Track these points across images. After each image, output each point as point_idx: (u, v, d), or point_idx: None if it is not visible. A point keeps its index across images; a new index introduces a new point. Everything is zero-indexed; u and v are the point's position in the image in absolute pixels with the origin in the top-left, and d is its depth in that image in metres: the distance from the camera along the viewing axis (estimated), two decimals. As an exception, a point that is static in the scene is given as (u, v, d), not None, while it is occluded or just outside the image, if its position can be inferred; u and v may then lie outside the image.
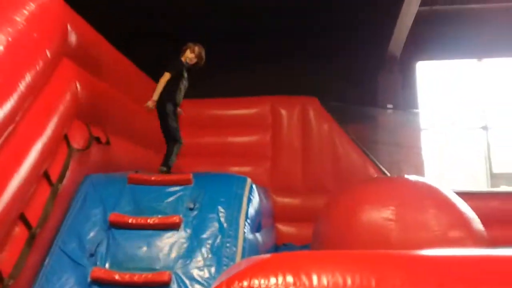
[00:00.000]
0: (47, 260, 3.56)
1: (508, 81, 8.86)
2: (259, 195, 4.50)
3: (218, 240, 3.62)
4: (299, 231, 6.63)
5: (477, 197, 6.10)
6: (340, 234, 4.03)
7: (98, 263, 3.51)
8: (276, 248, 6.21)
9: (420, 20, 7.70)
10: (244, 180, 4.25)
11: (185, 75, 4.73)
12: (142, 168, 4.76)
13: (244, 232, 3.79)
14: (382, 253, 2.03)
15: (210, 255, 3.52)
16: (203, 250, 3.56)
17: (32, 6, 3.57)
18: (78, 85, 4.20)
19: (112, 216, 3.76)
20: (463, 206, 4.05)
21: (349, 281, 1.73)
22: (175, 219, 3.73)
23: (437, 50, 8.62)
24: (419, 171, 7.83)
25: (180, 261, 3.50)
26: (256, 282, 1.73)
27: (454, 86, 9.04)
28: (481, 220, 4.07)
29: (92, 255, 3.55)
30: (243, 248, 3.68)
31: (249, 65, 7.94)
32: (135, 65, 5.79)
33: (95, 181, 4.15)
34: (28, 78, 3.37)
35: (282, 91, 7.48)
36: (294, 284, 1.72)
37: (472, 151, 8.74)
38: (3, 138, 3.14)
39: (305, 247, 5.74)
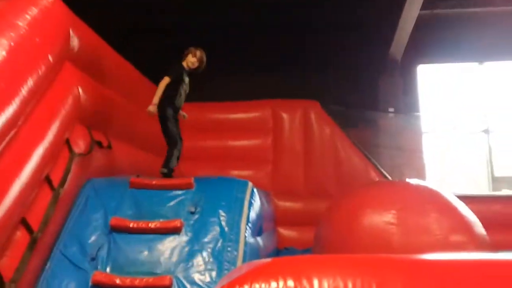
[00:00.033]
0: (48, 264, 3.56)
1: (509, 85, 8.85)
2: (260, 199, 4.50)
3: (219, 244, 3.62)
4: (301, 235, 6.61)
5: (479, 201, 6.07)
6: (341, 238, 4.02)
7: (99, 267, 3.50)
8: (278, 252, 6.20)
9: (421, 23, 7.72)
10: (245, 184, 4.25)
11: (186, 79, 4.75)
12: (144, 172, 4.77)
13: (245, 236, 3.79)
14: (383, 257, 2.03)
15: (211, 259, 3.52)
16: (204, 254, 3.56)
17: (34, 11, 3.59)
18: (80, 90, 4.21)
19: (113, 220, 3.76)
20: (465, 210, 4.04)
21: (350, 286, 1.72)
22: (176, 223, 3.73)
23: (438, 54, 8.63)
24: (421, 174, 7.82)
25: (181, 265, 3.50)
26: (257, 286, 1.73)
27: (455, 89, 9.04)
28: (483, 224, 4.05)
29: (93, 259, 3.55)
30: (244, 252, 3.68)
31: (251, 69, 7.96)
32: (134, 61, 5.77)
33: (97, 185, 4.15)
34: (30, 82, 3.39)
35: (283, 95, 7.49)
36: (295, 288, 1.72)
37: (473, 155, 8.73)
38: (5, 142, 3.15)
39: (306, 251, 5.73)
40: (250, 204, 4.10)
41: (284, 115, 7.43)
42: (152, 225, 3.73)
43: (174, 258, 3.54)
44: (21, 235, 3.32)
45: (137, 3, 7.14)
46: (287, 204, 7.03)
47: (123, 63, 5.44)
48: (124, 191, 4.07)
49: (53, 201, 3.65)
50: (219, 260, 3.52)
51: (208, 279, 3.40)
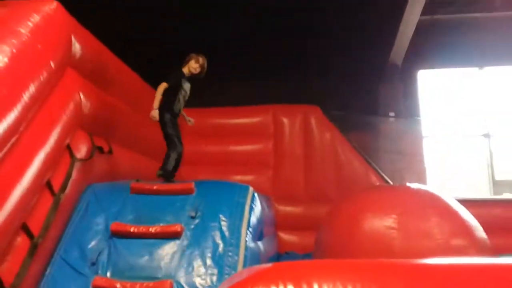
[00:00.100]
0: (48, 270, 3.56)
1: (509, 89, 8.87)
2: (261, 203, 4.50)
3: (219, 249, 3.62)
4: (301, 240, 6.61)
5: (480, 205, 6.07)
6: (342, 242, 4.02)
7: (99, 272, 3.50)
8: (278, 256, 6.19)
9: (421, 29, 7.75)
10: (246, 189, 4.26)
11: (185, 85, 4.77)
12: (145, 177, 4.77)
13: (246, 241, 3.78)
14: (384, 262, 2.02)
15: (211, 264, 3.52)
16: (205, 258, 3.55)
17: (36, 18, 3.61)
18: (81, 96, 4.23)
19: (114, 225, 3.77)
20: (466, 214, 4.04)
21: (350, 290, 1.72)
22: (177, 227, 3.73)
23: (438, 59, 8.65)
24: (421, 179, 7.82)
25: (181, 269, 3.49)
26: (257, 291, 1.73)
27: (455, 94, 9.06)
28: (483, 228, 4.05)
29: (93, 264, 3.55)
30: (245, 256, 3.68)
31: (251, 74, 7.98)
32: (135, 66, 5.79)
33: (97, 190, 4.16)
34: (32, 89, 3.40)
35: (284, 100, 7.51)
36: (296, 293, 1.72)
37: (474, 159, 8.73)
38: (6, 148, 3.16)
39: (307, 255, 5.72)
40: (251, 208, 4.10)
41: (285, 120, 7.45)
42: (152, 229, 3.73)
43: (175, 263, 3.54)
44: (21, 240, 3.32)
45: (138, 8, 7.18)
46: (288, 209, 7.03)
47: (124, 69, 5.46)
48: (125, 196, 4.08)
49: (54, 206, 3.66)
50: (220, 264, 3.52)
51: (208, 283, 3.40)
